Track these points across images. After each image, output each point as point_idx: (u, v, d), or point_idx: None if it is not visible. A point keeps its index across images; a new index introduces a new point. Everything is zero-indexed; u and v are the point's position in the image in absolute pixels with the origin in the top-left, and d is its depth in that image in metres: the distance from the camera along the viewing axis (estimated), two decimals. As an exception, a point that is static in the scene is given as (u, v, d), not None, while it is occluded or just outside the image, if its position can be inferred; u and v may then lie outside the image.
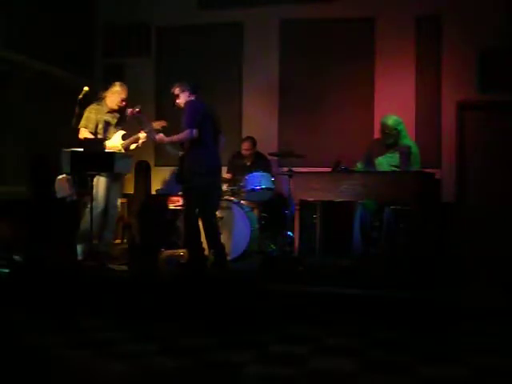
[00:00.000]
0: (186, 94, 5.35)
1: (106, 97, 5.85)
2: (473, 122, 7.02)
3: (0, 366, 3.37)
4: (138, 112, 5.61)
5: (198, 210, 5.32)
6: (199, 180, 5.19)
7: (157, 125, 5.84)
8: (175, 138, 5.25)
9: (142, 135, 5.77)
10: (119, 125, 5.94)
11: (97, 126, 5.77)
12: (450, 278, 5.06)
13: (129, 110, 5.58)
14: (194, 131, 5.12)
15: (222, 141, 5.65)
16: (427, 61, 7.10)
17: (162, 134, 5.35)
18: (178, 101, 5.38)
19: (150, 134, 5.48)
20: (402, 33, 7.16)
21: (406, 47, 7.16)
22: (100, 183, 5.66)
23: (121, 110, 5.94)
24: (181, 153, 5.35)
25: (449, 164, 6.98)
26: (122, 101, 5.86)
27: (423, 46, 7.12)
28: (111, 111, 5.88)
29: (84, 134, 5.71)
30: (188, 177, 5.28)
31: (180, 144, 5.34)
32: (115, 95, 5.83)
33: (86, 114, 5.75)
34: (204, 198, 5.26)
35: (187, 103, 5.30)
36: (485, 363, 3.42)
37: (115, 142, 5.79)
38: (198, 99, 5.38)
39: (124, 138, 5.82)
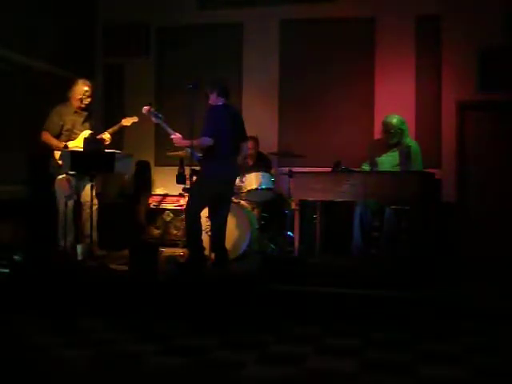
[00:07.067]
0: (214, 95, 5.25)
1: (70, 96, 5.86)
2: (473, 122, 7.02)
3: (0, 365, 3.37)
4: (153, 110, 5.46)
5: (209, 212, 5.37)
6: (209, 188, 5.17)
7: (126, 121, 5.84)
8: (192, 142, 5.13)
9: (106, 138, 5.79)
10: (86, 122, 5.94)
11: (62, 127, 5.79)
12: (450, 278, 5.06)
13: (145, 108, 5.43)
14: (210, 140, 5.05)
15: (246, 148, 5.58)
16: (427, 61, 7.09)
17: (179, 135, 5.24)
18: (209, 101, 5.29)
19: (166, 131, 5.37)
20: (402, 33, 7.15)
21: (405, 47, 7.15)
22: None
23: (88, 108, 5.96)
24: (200, 155, 5.29)
25: (449, 164, 6.97)
26: (87, 97, 5.87)
27: (423, 46, 7.12)
28: (78, 110, 5.90)
29: (45, 136, 5.76)
30: (199, 181, 5.27)
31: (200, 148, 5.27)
32: (78, 93, 5.85)
33: (49, 116, 5.80)
34: (214, 203, 5.27)
35: (210, 109, 5.22)
36: (485, 363, 3.42)
37: (80, 141, 5.75)
38: (225, 103, 5.29)
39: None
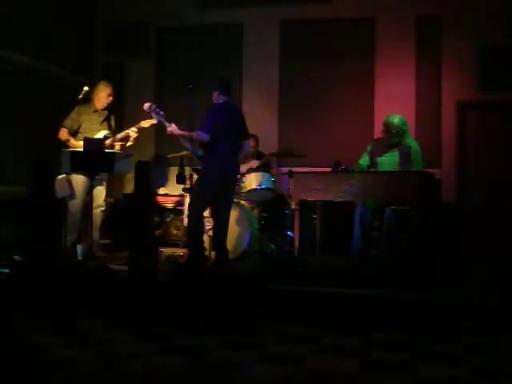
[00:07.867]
0: (216, 93, 5.30)
1: (92, 98, 5.91)
2: (473, 122, 7.02)
3: (0, 365, 3.37)
4: (154, 107, 5.42)
5: (211, 211, 5.40)
6: (209, 186, 5.19)
7: (146, 123, 5.85)
8: (188, 134, 5.16)
9: (133, 134, 5.80)
10: (105, 121, 5.95)
11: (80, 126, 5.83)
12: (450, 278, 5.05)
13: (146, 105, 5.39)
14: (207, 136, 5.07)
15: (247, 146, 5.57)
16: (427, 61, 7.10)
17: (174, 126, 5.21)
18: (212, 99, 5.34)
19: (163, 123, 5.36)
20: (402, 33, 7.16)
21: (406, 47, 7.16)
22: (78, 182, 5.70)
23: (108, 108, 5.98)
24: (200, 153, 5.30)
25: (449, 164, 6.98)
26: (108, 96, 5.92)
27: (423, 45, 7.13)
28: (99, 110, 5.93)
29: (62, 133, 5.81)
30: (199, 179, 5.31)
31: (199, 144, 5.29)
32: (100, 94, 5.90)
33: (70, 114, 5.87)
34: (215, 201, 5.28)
35: (210, 106, 5.26)
36: (485, 363, 3.42)
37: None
38: (226, 102, 5.31)
39: (106, 138, 5.81)
